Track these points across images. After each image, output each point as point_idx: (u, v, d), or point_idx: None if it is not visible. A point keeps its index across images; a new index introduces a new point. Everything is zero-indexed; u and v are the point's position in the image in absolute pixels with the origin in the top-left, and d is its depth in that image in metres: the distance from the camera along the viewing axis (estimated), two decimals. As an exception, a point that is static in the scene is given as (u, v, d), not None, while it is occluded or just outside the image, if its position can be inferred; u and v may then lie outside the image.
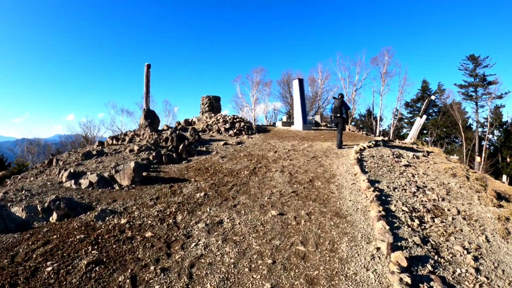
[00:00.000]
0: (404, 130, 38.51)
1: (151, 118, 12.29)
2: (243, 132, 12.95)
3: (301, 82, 15.42)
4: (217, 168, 7.23)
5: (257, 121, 37.56)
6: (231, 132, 12.71)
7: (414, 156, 9.06)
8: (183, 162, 7.91)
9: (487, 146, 33.31)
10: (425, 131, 36.13)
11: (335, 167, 7.36)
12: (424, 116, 15.28)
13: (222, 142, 10.35)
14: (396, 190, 5.95)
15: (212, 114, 15.03)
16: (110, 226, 4.37)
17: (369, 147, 9.49)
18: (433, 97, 16.74)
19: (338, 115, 9.67)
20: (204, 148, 9.36)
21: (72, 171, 6.65)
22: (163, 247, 3.76)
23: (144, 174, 6.65)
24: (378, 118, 34.31)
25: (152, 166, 7.44)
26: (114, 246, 3.85)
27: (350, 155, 8.51)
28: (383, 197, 5.43)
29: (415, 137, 15.33)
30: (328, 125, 20.73)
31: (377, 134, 32.75)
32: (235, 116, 14.35)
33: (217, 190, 5.69)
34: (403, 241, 3.96)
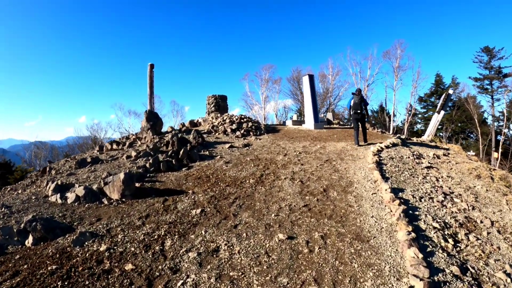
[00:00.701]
0: (418, 126, 36.88)
1: (153, 120, 11.67)
2: (251, 133, 12.17)
3: (311, 78, 14.51)
4: (220, 176, 6.48)
5: (267, 119, 36.77)
6: (238, 133, 11.95)
7: (435, 156, 8.21)
8: (183, 169, 7.21)
9: (504, 141, 31.41)
10: (439, 127, 34.41)
11: (351, 173, 6.51)
12: (442, 112, 14.11)
13: (227, 145, 9.61)
14: (422, 199, 5.12)
15: (219, 114, 14.31)
16: (87, 254, 3.68)
17: (387, 147, 8.63)
18: (450, 91, 15.48)
19: (359, 111, 9.22)
20: (208, 152, 8.63)
21: (59, 183, 6.04)
22: (143, 286, 3.03)
23: (137, 185, 5.97)
24: (392, 114, 32.89)
25: (148, 175, 6.76)
26: (87, 282, 3.16)
27: (367, 157, 7.63)
28: (410, 211, 4.58)
29: (433, 134, 14.22)
30: (341, 122, 19.73)
31: (391, 130, 31.41)
32: (243, 116, 13.59)
33: (217, 204, 4.94)
34: (440, 274, 3.13)
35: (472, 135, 35.87)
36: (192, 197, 5.31)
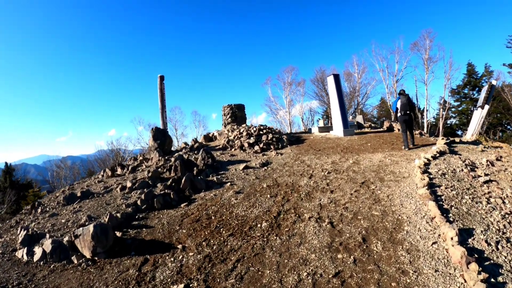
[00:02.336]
0: (452, 121, 33.10)
1: (160, 138, 10.53)
2: (272, 146, 10.63)
3: (336, 78, 12.72)
4: (224, 217, 5.00)
5: (293, 124, 35.00)
6: (256, 147, 10.46)
7: (489, 163, 6.50)
8: (182, 205, 5.82)
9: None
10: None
11: (397, 203, 4.79)
12: (487, 107, 11.61)
13: (242, 165, 8.13)
14: (499, 245, 3.44)
15: (235, 126, 12.92)
16: None
17: (434, 157, 6.97)
18: (494, 82, 12.84)
19: (408, 112, 8.66)
20: (217, 177, 7.21)
21: (30, 232, 4.90)
22: None
23: (118, 234, 4.66)
24: (425, 111, 29.71)
25: (137, 216, 5.46)
26: None
27: (413, 175, 5.93)
28: (492, 278, 2.88)
29: (477, 132, 11.82)
30: (372, 125, 17.55)
31: (425, 128, 28.37)
32: (262, 127, 12.09)
33: (209, 274, 3.44)
34: None
35: (510, 127, 31.58)
36: (180, 257, 3.86)
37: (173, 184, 6.71)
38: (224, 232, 4.44)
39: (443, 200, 4.61)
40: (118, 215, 5.25)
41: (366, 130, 14.73)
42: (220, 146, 11.44)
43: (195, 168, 7.77)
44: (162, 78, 14.18)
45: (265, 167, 8.04)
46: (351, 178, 6.33)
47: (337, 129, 12.83)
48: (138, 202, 5.86)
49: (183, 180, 6.62)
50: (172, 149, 12.01)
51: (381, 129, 14.63)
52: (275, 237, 4.11)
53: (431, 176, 5.67)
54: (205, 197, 6.14)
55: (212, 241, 4.19)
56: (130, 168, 9.18)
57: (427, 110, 30.39)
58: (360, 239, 3.84)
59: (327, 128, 14.09)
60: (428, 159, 6.83)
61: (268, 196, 5.71)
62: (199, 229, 4.62)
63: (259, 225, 4.53)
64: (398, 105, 8.70)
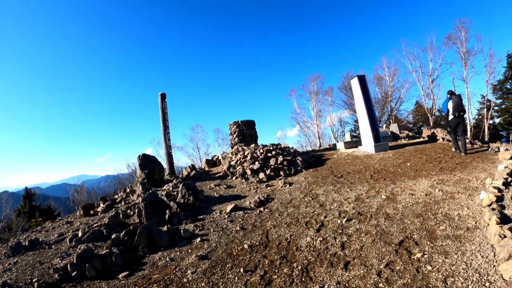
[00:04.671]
0: (496, 120, 28.13)
1: (148, 167, 8.87)
2: (281, 173, 8.48)
3: (362, 80, 10.30)
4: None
5: (324, 136, 32.21)
6: (261, 175, 8.36)
7: None
8: (121, 275, 3.90)
9: None
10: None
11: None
12: None
13: (231, 206, 6.06)
14: None
15: (244, 147, 10.92)
16: None
17: (506, 184, 4.82)
18: None
19: (462, 113, 7.73)
20: (188, 228, 5.22)
21: None
22: None
23: None
24: (468, 114, 25.46)
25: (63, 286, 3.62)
26: None
27: (483, 225, 3.63)
28: None
29: None
30: (410, 134, 14.62)
31: (468, 132, 24.22)
32: (272, 147, 9.95)
33: None
34: None
35: None
36: None
37: (125, 238, 4.83)
38: None
39: None
40: (45, 280, 3.45)
41: (403, 141, 12.01)
42: (221, 174, 9.51)
43: (167, 211, 5.88)
44: (163, 96, 12.75)
45: (262, 207, 5.91)
46: (382, 232, 4.00)
47: (367, 144, 10.33)
48: (69, 266, 4.04)
49: (137, 233, 4.73)
50: (170, 177, 10.29)
51: (421, 139, 11.83)
52: None
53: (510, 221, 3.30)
54: (158, 262, 4.16)
55: None
56: (105, 205, 7.54)
57: (470, 113, 26.25)
58: None
59: (354, 143, 11.60)
60: (498, 189, 4.43)
61: (242, 270, 3.56)
62: None
63: None
64: (450, 106, 7.75)
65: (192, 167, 9.81)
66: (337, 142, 14.35)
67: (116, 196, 8.68)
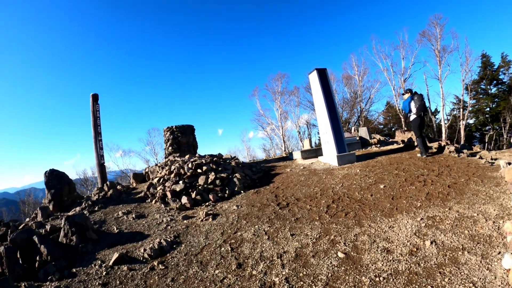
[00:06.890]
0: (470, 121, 27.96)
1: (55, 186, 6.53)
2: (211, 196, 6.35)
3: (322, 74, 8.37)
4: None
5: (292, 139, 30.53)
6: (184, 199, 6.19)
7: None
8: None
9: None
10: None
11: None
12: None
13: (116, 255, 3.89)
14: None
15: (178, 158, 8.63)
16: None
17: None
18: None
19: (426, 113, 6.16)
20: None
21: None
22: None
23: None
24: (442, 114, 24.79)
25: None
26: None
27: None
28: None
29: None
30: (381, 138, 13.06)
31: (443, 134, 23.56)
32: (206, 159, 7.75)
33: None
34: None
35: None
36: None
37: None
38: None
39: None
40: None
41: (374, 149, 10.33)
42: (142, 195, 7.24)
43: (37, 258, 3.63)
44: (95, 97, 10.24)
45: (157, 260, 3.75)
46: None
47: (328, 154, 8.45)
48: None
49: None
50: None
51: (395, 146, 10.20)
52: None
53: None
54: None
55: None
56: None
57: (439, 111, 25.70)
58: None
59: (314, 151, 9.69)
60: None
61: None
62: None
63: None
64: (412, 106, 7.31)
65: (111, 185, 7.45)
66: (295, 150, 12.43)
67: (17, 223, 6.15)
